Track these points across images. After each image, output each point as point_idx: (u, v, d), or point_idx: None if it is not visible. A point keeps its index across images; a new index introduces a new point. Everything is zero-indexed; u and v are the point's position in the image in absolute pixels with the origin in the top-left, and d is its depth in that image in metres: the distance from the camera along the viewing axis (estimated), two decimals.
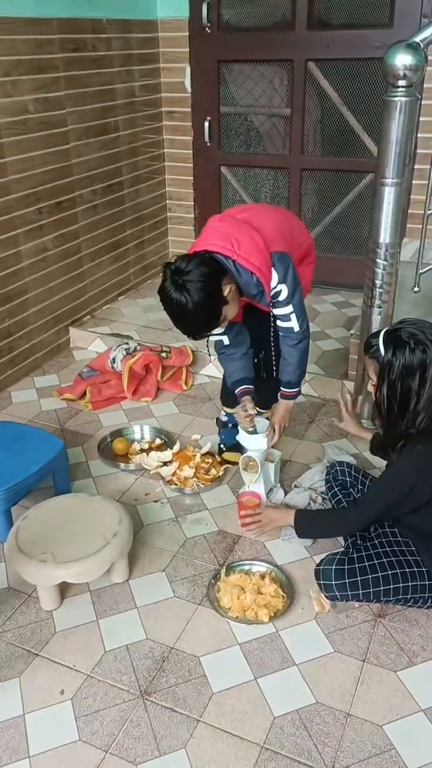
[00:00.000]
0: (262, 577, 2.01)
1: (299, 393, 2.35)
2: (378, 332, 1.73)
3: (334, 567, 1.80)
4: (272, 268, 2.02)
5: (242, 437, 2.25)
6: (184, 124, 4.08)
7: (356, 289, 3.95)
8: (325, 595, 1.86)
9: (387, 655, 1.79)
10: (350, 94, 3.65)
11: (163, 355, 3.14)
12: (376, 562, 1.82)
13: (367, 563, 1.80)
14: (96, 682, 1.73)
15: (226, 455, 2.60)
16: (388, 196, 2.43)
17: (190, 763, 1.53)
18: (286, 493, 2.38)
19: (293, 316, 2.14)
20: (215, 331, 2.10)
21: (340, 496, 2.16)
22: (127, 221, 3.93)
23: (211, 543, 2.20)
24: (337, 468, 2.21)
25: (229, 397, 2.61)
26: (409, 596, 1.82)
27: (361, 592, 1.79)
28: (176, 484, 2.44)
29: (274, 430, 2.29)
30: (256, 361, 2.41)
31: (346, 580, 1.78)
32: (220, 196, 4.22)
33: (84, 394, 3.00)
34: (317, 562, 1.89)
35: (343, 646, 1.82)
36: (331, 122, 3.79)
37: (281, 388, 2.31)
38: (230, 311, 2.03)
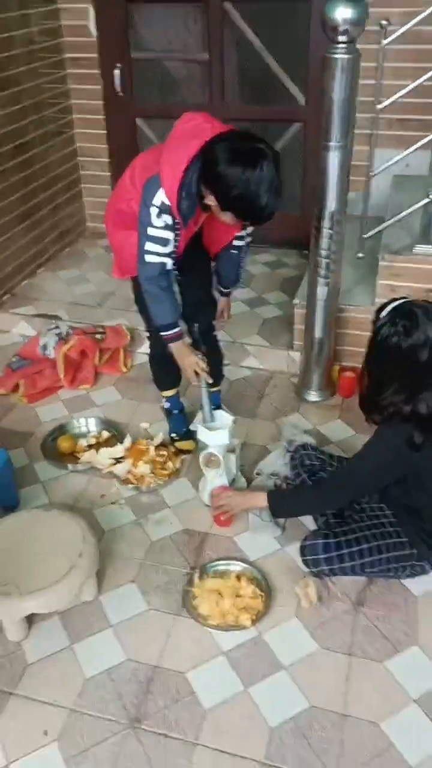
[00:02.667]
0: (238, 578, 1.95)
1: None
2: (386, 303, 1.70)
3: (320, 541, 1.81)
4: None
5: (202, 433, 2.14)
6: (91, 72, 3.74)
7: (286, 246, 3.87)
8: (312, 572, 1.86)
9: (372, 645, 1.79)
10: (272, 38, 3.43)
11: (98, 336, 2.95)
12: (360, 534, 1.83)
13: (352, 536, 1.82)
14: (81, 716, 1.64)
15: (180, 444, 2.50)
16: (333, 160, 2.30)
17: None
18: (248, 480, 2.31)
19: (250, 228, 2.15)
20: (161, 250, 1.94)
21: (309, 483, 2.11)
22: (39, 185, 3.60)
23: (179, 544, 2.11)
24: (302, 453, 2.16)
25: (164, 378, 2.51)
26: (391, 566, 1.84)
27: (347, 564, 1.80)
28: (133, 483, 2.31)
29: (225, 316, 2.45)
30: (191, 334, 2.29)
31: (334, 553, 1.80)
32: (137, 150, 3.92)
33: (17, 387, 2.78)
34: (302, 539, 1.90)
35: (328, 641, 1.80)
36: (252, 69, 3.57)
37: (227, 289, 2.41)
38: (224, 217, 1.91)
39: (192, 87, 3.74)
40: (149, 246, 1.94)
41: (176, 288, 2.18)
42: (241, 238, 2.18)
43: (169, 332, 2.10)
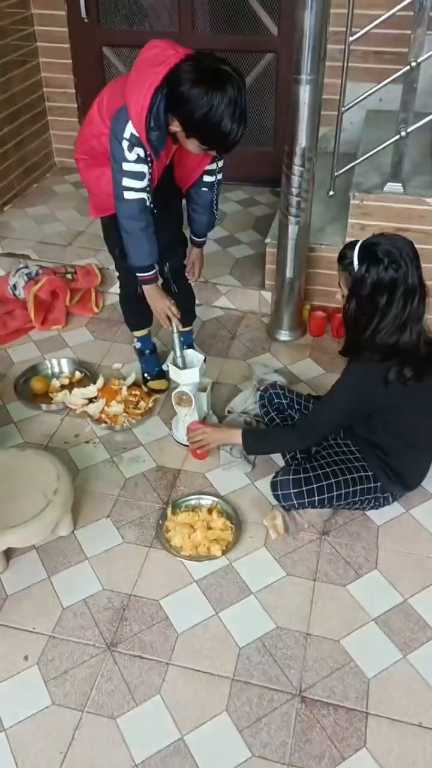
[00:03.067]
0: (210, 511, 2.03)
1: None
2: (352, 243, 1.71)
3: (291, 477, 1.89)
4: None
5: (173, 372, 2.17)
6: None
7: (260, 184, 3.81)
8: (283, 506, 1.94)
9: (335, 571, 1.90)
10: None
11: (69, 276, 2.92)
12: (328, 470, 1.91)
13: (320, 471, 1.90)
14: (59, 641, 1.73)
15: (152, 384, 2.53)
16: (304, 94, 2.27)
17: (167, 707, 1.59)
18: (220, 418, 2.37)
19: (222, 162, 2.14)
20: (138, 185, 1.92)
21: (278, 420, 2.17)
22: (2, 117, 3.47)
23: (152, 481, 2.17)
24: (271, 392, 2.21)
25: (135, 318, 2.52)
26: (356, 499, 1.93)
27: (316, 498, 1.88)
28: (106, 422, 2.35)
29: (195, 273, 2.43)
30: (161, 274, 2.29)
31: (303, 488, 1.87)
32: (104, 80, 3.78)
33: None
34: (272, 475, 1.97)
35: (294, 568, 1.90)
36: None
37: (200, 238, 2.37)
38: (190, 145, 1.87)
39: (161, 14, 3.58)
40: (126, 182, 1.91)
41: None
42: (212, 173, 2.14)
43: (146, 274, 2.09)
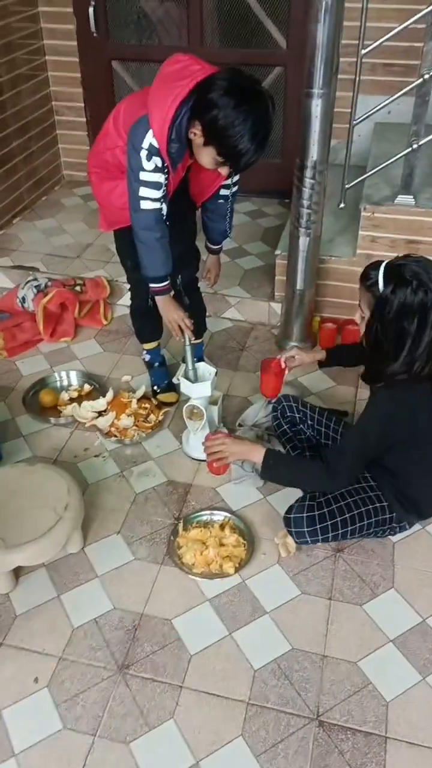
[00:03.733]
0: (222, 527, 1.99)
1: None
2: (377, 263, 1.64)
3: (305, 515, 1.82)
4: None
5: (184, 385, 2.14)
6: (64, 11, 3.57)
7: (267, 195, 3.81)
8: (297, 542, 1.88)
9: (351, 589, 1.85)
10: None
11: (77, 289, 2.90)
12: (342, 503, 1.84)
13: (335, 506, 1.83)
14: (70, 663, 1.69)
15: (161, 396, 2.50)
16: (316, 108, 2.25)
17: (181, 731, 1.55)
18: (230, 432, 2.33)
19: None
20: (154, 195, 1.90)
21: (291, 434, 2.13)
22: (12, 131, 3.47)
23: (163, 496, 2.14)
24: (284, 404, 2.17)
25: (145, 330, 2.50)
26: (371, 530, 1.88)
27: (330, 534, 1.83)
28: (116, 436, 2.32)
29: (213, 279, 2.45)
30: (174, 286, 2.26)
31: (317, 526, 1.81)
32: (113, 95, 3.80)
33: None
34: (285, 510, 1.88)
35: (308, 586, 1.86)
36: (232, 9, 3.43)
37: (216, 245, 2.39)
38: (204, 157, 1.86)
39: (170, 29, 3.59)
40: (143, 191, 1.89)
41: None
42: (227, 186, 2.13)
43: (159, 285, 2.07)
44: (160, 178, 1.88)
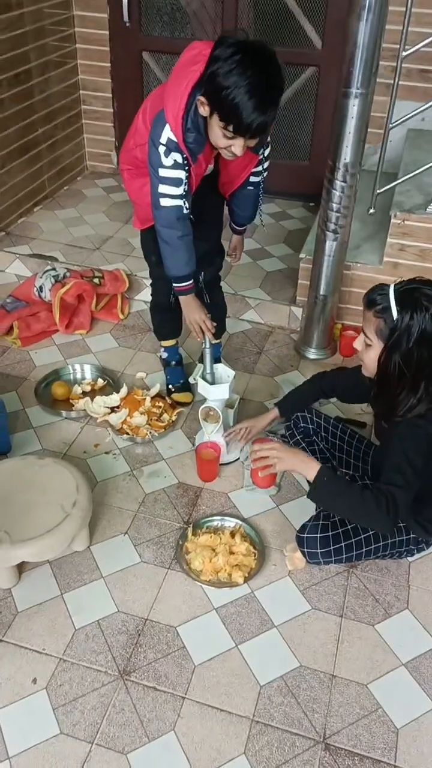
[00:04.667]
0: (232, 534, 1.93)
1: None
2: (380, 287, 1.54)
3: (318, 535, 1.74)
4: None
5: (202, 387, 2.08)
6: None
7: (293, 198, 3.75)
8: (309, 561, 1.81)
9: (363, 608, 1.79)
10: None
11: (96, 281, 2.85)
12: (356, 525, 1.76)
13: (349, 527, 1.76)
14: (70, 665, 1.63)
15: (176, 396, 2.45)
16: (352, 109, 2.19)
17: (181, 745, 1.49)
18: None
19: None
20: (174, 192, 1.84)
21: (303, 444, 2.06)
22: (38, 118, 3.43)
23: (173, 498, 2.08)
24: (299, 414, 2.11)
25: (164, 328, 2.44)
26: (387, 552, 1.81)
27: (344, 556, 1.76)
28: (127, 433, 2.27)
29: (235, 255, 2.37)
30: (195, 282, 2.20)
31: (331, 548, 1.74)
32: (142, 87, 3.75)
33: (11, 329, 2.69)
34: (298, 529, 1.81)
35: (319, 602, 1.80)
36: (267, 5, 3.37)
37: (240, 225, 2.28)
38: (215, 131, 1.73)
39: (204, 22, 3.53)
40: (162, 188, 1.84)
41: None
42: (258, 173, 2.03)
43: (182, 284, 2.02)
44: (180, 174, 1.82)
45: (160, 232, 1.94)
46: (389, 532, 1.66)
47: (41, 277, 2.81)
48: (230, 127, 1.67)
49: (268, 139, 1.95)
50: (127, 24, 3.52)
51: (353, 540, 1.75)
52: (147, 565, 1.87)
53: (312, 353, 2.76)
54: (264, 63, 1.60)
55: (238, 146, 1.72)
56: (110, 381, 2.51)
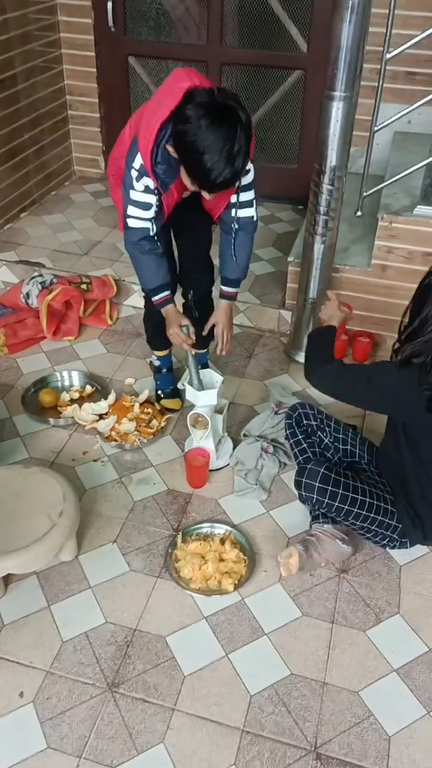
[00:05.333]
0: (222, 541, 1.91)
1: (238, 293, 2.19)
2: None
3: (322, 470, 1.76)
4: None
5: (190, 393, 2.06)
6: (82, 4, 3.50)
7: (282, 201, 3.74)
8: (302, 495, 1.82)
9: (354, 613, 1.77)
10: None
11: (84, 287, 2.82)
12: (358, 485, 1.80)
13: (352, 483, 1.79)
14: (57, 678, 1.61)
15: (165, 402, 2.43)
16: (337, 112, 2.18)
17: (171, 758, 1.47)
18: (234, 442, 2.25)
19: (255, 202, 1.99)
20: (143, 215, 1.86)
21: (305, 445, 2.01)
22: (25, 123, 3.40)
23: (162, 505, 2.06)
24: (300, 411, 2.07)
25: (158, 338, 2.40)
26: (374, 527, 1.81)
27: (336, 504, 1.76)
28: (116, 440, 2.25)
29: (222, 339, 2.16)
30: (185, 301, 2.19)
31: (329, 487, 1.75)
32: (128, 91, 3.74)
33: None
34: (298, 470, 1.86)
35: (310, 608, 1.78)
36: (253, 9, 3.36)
37: (226, 288, 2.13)
38: (184, 176, 1.74)
39: (189, 27, 3.52)
40: (131, 210, 1.87)
41: (175, 251, 2.11)
42: (244, 206, 1.96)
43: (156, 297, 2.02)
44: (150, 199, 1.84)
45: (127, 248, 1.97)
46: (310, 378, 1.87)
47: (28, 284, 2.79)
48: (195, 180, 1.70)
49: (250, 177, 1.92)
50: (112, 29, 3.50)
51: (350, 495, 1.76)
52: (136, 574, 1.85)
53: (302, 356, 2.74)
54: (229, 129, 1.59)
55: (206, 194, 1.76)
56: (98, 387, 2.49)
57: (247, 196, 1.96)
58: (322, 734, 1.52)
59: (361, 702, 1.58)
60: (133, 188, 1.82)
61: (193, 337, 2.05)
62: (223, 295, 2.14)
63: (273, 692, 1.59)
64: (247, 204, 1.98)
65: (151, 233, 1.91)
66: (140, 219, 1.88)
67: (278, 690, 1.60)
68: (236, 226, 2.00)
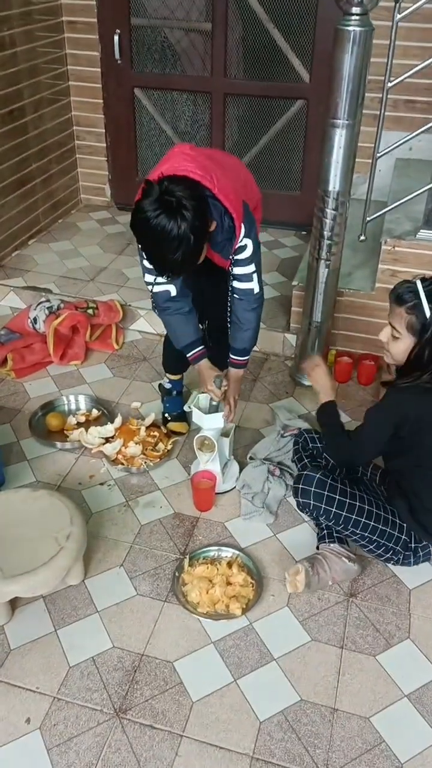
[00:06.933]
0: (229, 565, 1.90)
1: (248, 361, 2.16)
2: (407, 283, 1.65)
3: (318, 475, 1.77)
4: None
5: (196, 416, 2.07)
6: (89, 37, 3.59)
7: (285, 227, 3.78)
8: (299, 501, 1.82)
9: (364, 638, 1.75)
10: (277, 10, 3.31)
11: (90, 312, 2.85)
12: (357, 492, 1.80)
13: (349, 490, 1.79)
14: (64, 704, 1.59)
15: (172, 425, 2.43)
16: (340, 139, 2.22)
17: None
18: (240, 465, 2.25)
19: (255, 276, 1.96)
20: (161, 279, 1.88)
21: (311, 468, 2.02)
22: (33, 153, 3.47)
23: (169, 528, 2.06)
24: (306, 436, 2.10)
25: (174, 363, 2.41)
26: (376, 537, 1.80)
27: (334, 510, 1.76)
28: (122, 464, 2.25)
29: (228, 405, 2.11)
30: (202, 327, 2.21)
31: (325, 492, 1.76)
32: (134, 122, 3.81)
33: (5, 361, 2.69)
34: (295, 477, 1.88)
35: (319, 633, 1.76)
36: (256, 41, 3.44)
37: (233, 356, 2.11)
38: (202, 253, 1.77)
39: (193, 59, 3.61)
40: (147, 277, 1.92)
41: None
42: (240, 279, 1.94)
43: (189, 353, 2.07)
44: None
45: (155, 312, 2.06)
46: (332, 455, 1.94)
47: (35, 309, 2.82)
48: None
49: (247, 253, 1.90)
50: (119, 61, 3.59)
51: (348, 501, 1.76)
52: (143, 599, 1.84)
53: (307, 380, 2.76)
54: (149, 235, 1.61)
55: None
56: (105, 411, 2.50)
57: (244, 270, 1.92)
58: (333, 761, 1.49)
59: (372, 728, 1.56)
60: (142, 256, 1.80)
61: (225, 389, 2.09)
62: (232, 364, 2.12)
63: (282, 718, 1.57)
64: (245, 278, 1.93)
65: (173, 294, 1.94)
66: (158, 283, 1.92)
67: (287, 716, 1.58)
68: (237, 296, 1.98)
